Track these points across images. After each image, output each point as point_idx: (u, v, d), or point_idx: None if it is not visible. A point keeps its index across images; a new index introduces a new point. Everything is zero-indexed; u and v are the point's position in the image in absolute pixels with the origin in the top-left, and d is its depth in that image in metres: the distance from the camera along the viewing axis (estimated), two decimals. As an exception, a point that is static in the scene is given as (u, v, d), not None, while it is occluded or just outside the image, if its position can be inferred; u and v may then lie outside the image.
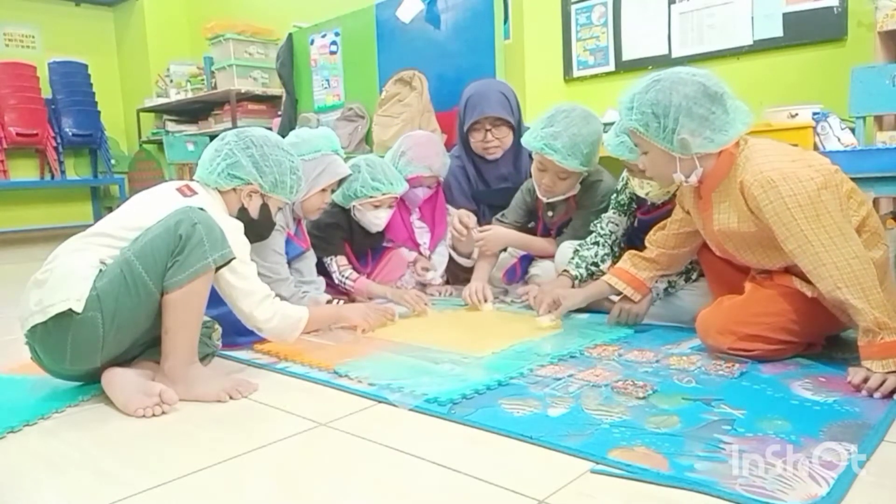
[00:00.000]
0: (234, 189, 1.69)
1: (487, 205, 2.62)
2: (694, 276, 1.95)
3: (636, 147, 1.66)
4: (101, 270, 1.41)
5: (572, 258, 2.08)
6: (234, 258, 1.50)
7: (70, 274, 1.38)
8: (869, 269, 1.34)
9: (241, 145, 1.68)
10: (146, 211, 1.51)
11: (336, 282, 2.33)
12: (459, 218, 2.44)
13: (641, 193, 1.96)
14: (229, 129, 2.21)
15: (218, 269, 1.48)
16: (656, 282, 1.89)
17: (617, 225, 2.12)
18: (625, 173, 2.08)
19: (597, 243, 2.09)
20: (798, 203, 1.37)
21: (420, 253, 2.60)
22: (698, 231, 1.71)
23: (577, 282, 2.05)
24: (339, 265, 2.35)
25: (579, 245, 2.12)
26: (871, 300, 1.32)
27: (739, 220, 1.53)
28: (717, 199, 1.57)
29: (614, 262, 2.00)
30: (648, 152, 1.59)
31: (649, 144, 1.56)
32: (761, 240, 1.51)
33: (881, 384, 1.27)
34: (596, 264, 2.06)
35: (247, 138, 1.70)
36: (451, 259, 2.65)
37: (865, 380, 1.30)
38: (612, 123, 1.99)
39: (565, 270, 2.07)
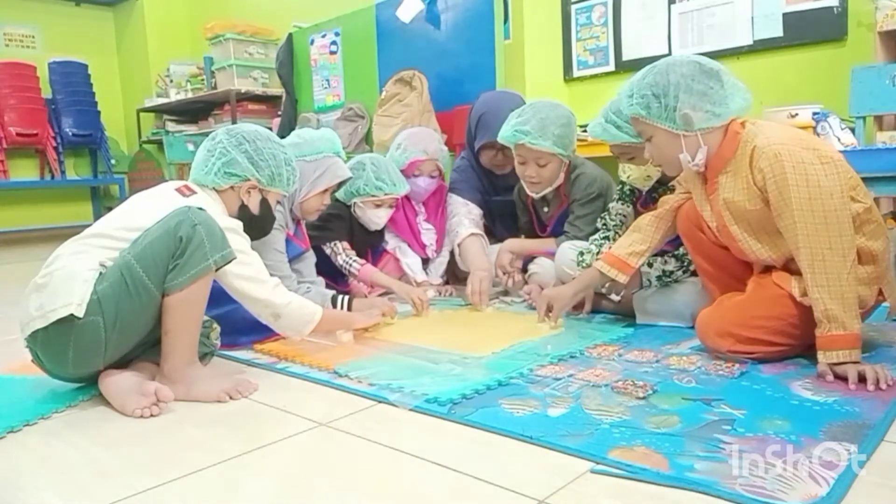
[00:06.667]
0: (232, 187, 1.68)
1: (498, 214, 2.61)
2: (693, 268, 1.94)
3: (629, 133, 1.70)
4: (101, 273, 1.40)
5: (584, 259, 2.04)
6: (235, 258, 1.49)
7: (70, 278, 1.37)
8: (843, 262, 1.37)
9: (233, 142, 1.68)
10: (145, 211, 1.50)
11: (340, 265, 2.33)
12: (474, 284, 2.30)
13: (623, 178, 2.05)
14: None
15: (219, 268, 1.47)
16: (649, 266, 1.91)
17: (625, 216, 2.12)
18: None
19: (607, 238, 2.08)
20: (796, 182, 1.40)
21: (426, 255, 2.61)
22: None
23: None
24: (344, 248, 2.36)
25: (591, 242, 2.10)
26: (832, 291, 1.36)
27: (747, 197, 1.52)
28: (725, 180, 1.57)
29: None
30: (653, 137, 1.59)
31: (653, 128, 1.57)
32: (764, 222, 1.51)
33: (827, 377, 1.36)
34: None
35: (238, 135, 1.69)
36: (451, 259, 2.64)
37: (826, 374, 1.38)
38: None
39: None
